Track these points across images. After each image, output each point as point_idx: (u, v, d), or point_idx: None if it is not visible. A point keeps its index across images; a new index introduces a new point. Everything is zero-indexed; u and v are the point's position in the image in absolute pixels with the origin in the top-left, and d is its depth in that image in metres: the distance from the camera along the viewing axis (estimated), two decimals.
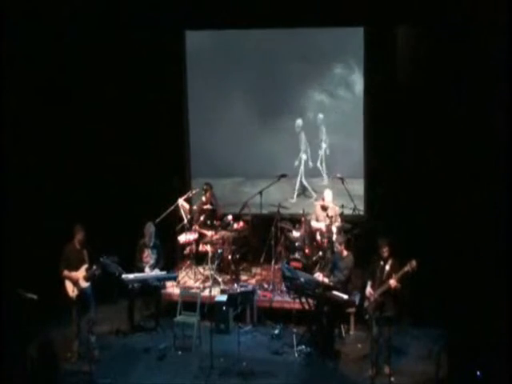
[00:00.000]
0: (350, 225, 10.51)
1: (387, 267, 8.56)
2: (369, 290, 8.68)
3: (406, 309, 9.08)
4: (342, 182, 10.78)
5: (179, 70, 12.05)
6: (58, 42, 10.79)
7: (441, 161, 10.38)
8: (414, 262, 8.31)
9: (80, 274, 9.03)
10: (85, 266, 9.03)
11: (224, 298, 9.36)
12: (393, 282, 8.37)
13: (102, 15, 11.09)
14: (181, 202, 10.96)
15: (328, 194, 10.59)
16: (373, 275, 8.69)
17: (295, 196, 12.01)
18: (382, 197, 10.95)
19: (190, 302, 9.73)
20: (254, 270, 11.24)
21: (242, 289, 10.18)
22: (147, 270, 9.99)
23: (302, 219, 10.85)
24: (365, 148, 11.60)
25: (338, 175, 11.04)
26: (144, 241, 10.10)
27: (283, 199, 11.58)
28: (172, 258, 10.90)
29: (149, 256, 10.07)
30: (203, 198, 11.04)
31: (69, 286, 9.05)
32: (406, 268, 8.35)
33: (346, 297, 9.10)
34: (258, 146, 12.01)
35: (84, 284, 9.05)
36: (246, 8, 11.11)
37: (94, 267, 8.99)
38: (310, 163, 11.87)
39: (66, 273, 9.03)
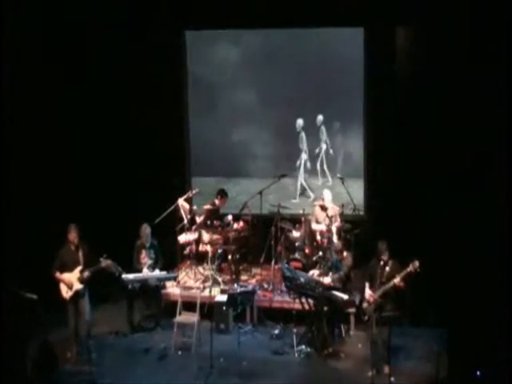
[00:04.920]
0: (350, 225, 10.51)
1: (387, 268, 8.57)
2: (368, 292, 8.68)
3: (406, 309, 9.06)
4: (342, 183, 10.80)
5: (179, 70, 12.06)
6: (56, 43, 10.82)
7: (441, 161, 10.38)
8: (416, 263, 8.33)
9: (74, 275, 9.01)
10: (79, 268, 9.02)
11: (224, 297, 9.35)
12: (397, 281, 8.39)
13: (101, 15, 11.10)
14: (181, 202, 10.96)
15: (327, 194, 10.59)
16: (372, 277, 8.70)
17: (297, 196, 12.01)
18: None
19: (190, 302, 9.74)
20: (254, 270, 11.24)
21: (242, 289, 10.18)
22: (145, 270, 9.99)
23: (302, 219, 10.86)
24: (365, 148, 11.60)
25: (338, 175, 11.06)
26: (141, 242, 10.11)
27: (285, 199, 11.58)
28: (172, 258, 10.89)
29: (146, 257, 10.07)
30: (216, 201, 11.06)
31: (63, 286, 9.03)
32: (409, 268, 8.36)
33: (345, 297, 9.11)
34: (259, 145, 12.02)
35: (78, 286, 9.02)
36: (245, 8, 11.13)
37: (87, 272, 8.97)
38: (308, 164, 11.89)
39: (57, 275, 9.00)
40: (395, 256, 8.66)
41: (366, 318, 8.69)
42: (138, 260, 10.07)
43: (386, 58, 11.10)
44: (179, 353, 9.24)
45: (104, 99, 11.43)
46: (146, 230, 10.12)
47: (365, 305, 8.73)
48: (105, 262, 9.06)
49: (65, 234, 9.07)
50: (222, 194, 11.15)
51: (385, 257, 8.60)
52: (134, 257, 10.08)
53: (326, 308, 9.09)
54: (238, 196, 11.71)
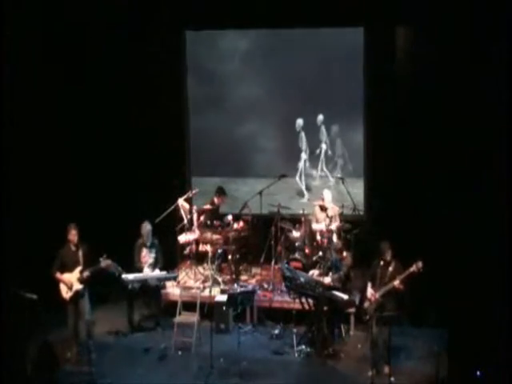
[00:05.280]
0: (350, 225, 10.51)
1: (390, 269, 8.58)
2: (370, 291, 8.68)
3: (406, 309, 9.07)
4: (343, 183, 10.81)
5: (179, 69, 12.06)
6: (56, 43, 10.83)
7: (441, 161, 10.38)
8: (420, 263, 8.34)
9: (74, 275, 9.00)
10: (79, 268, 9.01)
11: (224, 298, 9.35)
12: (397, 283, 8.39)
13: (101, 15, 11.10)
14: (181, 201, 10.95)
15: (327, 194, 10.58)
16: (374, 276, 8.70)
17: (305, 195, 11.99)
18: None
19: (190, 302, 9.74)
20: (254, 270, 11.24)
21: (242, 289, 10.18)
22: (146, 269, 10.00)
23: (302, 219, 10.85)
24: (365, 148, 11.60)
25: (338, 175, 11.05)
26: (142, 240, 10.10)
27: (292, 199, 11.61)
28: (172, 258, 10.89)
29: (147, 256, 10.07)
30: (215, 200, 11.06)
31: (63, 286, 9.03)
32: (412, 269, 8.37)
33: (346, 297, 9.11)
34: (259, 145, 12.03)
35: (78, 286, 9.01)
36: (245, 8, 11.13)
37: (87, 272, 8.97)
38: (307, 163, 11.90)
39: (57, 275, 9.00)
40: (395, 256, 8.66)
41: (367, 317, 8.69)
42: (138, 259, 10.05)
43: (386, 57, 11.10)
44: (179, 353, 9.23)
45: (104, 99, 11.44)
46: (146, 227, 10.10)
47: (366, 304, 8.73)
48: (105, 262, 9.06)
49: (65, 233, 9.07)
50: (221, 192, 11.13)
51: (387, 257, 8.60)
52: (134, 256, 10.07)
53: (325, 308, 9.09)
54: (241, 195, 11.71)
